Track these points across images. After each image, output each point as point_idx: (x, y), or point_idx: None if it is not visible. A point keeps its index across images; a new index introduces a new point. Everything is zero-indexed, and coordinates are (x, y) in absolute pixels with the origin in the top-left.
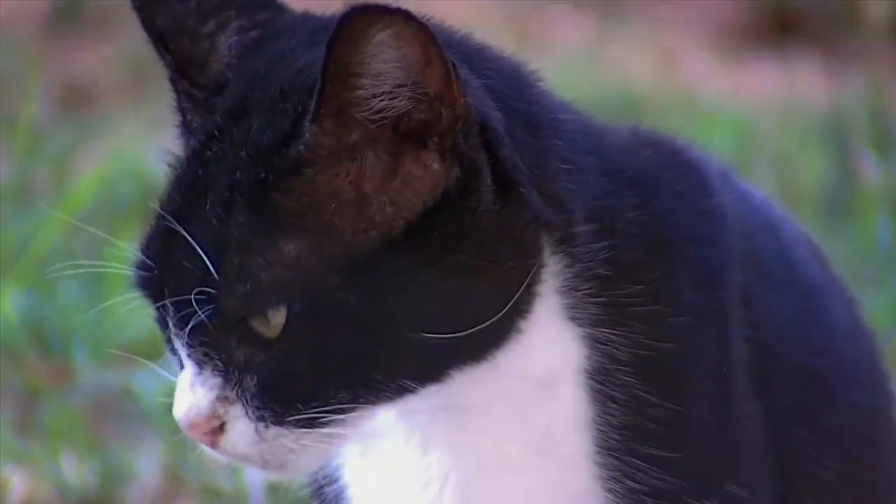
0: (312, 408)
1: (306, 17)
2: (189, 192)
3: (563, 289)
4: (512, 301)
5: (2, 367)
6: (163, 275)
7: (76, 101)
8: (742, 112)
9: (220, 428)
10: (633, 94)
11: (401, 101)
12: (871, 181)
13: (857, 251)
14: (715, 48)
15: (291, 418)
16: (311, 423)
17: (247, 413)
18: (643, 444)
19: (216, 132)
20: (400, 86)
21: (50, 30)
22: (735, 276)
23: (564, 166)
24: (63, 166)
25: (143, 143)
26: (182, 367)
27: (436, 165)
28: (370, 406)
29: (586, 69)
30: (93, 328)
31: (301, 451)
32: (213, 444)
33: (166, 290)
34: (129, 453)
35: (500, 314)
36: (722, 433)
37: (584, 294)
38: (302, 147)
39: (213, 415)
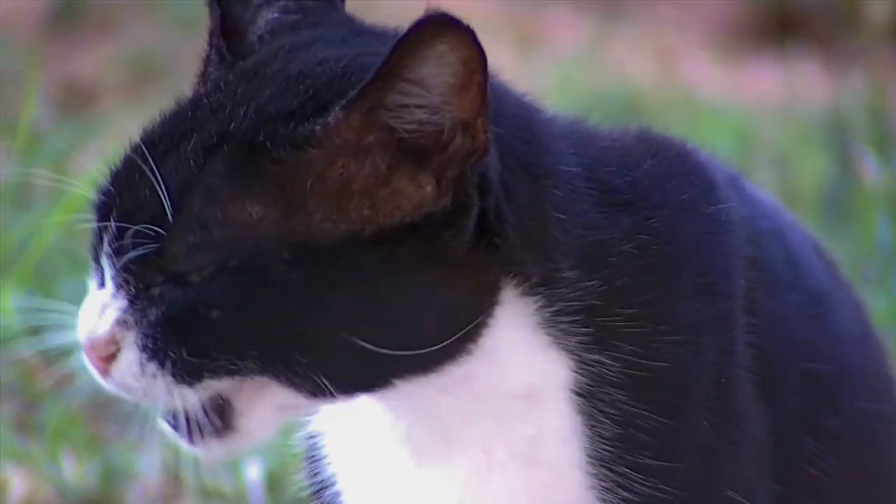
0: (196, 361)
1: (349, 19)
2: (173, 129)
3: (544, 323)
4: (453, 337)
5: (2, 367)
6: (119, 200)
7: (76, 101)
8: (742, 112)
9: (114, 356)
10: (633, 94)
11: (426, 116)
12: (871, 181)
13: (857, 251)
14: (715, 48)
15: (171, 360)
16: (186, 376)
17: (136, 341)
18: (636, 455)
19: (222, 85)
20: (433, 102)
21: (50, 30)
22: (739, 282)
23: (558, 216)
24: (63, 166)
25: None
26: (99, 283)
27: (429, 189)
28: (276, 382)
29: (586, 69)
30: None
31: (170, 399)
32: (105, 373)
33: (115, 213)
34: (129, 453)
35: (438, 346)
36: (720, 441)
37: (569, 324)
38: (318, 127)
39: (111, 339)
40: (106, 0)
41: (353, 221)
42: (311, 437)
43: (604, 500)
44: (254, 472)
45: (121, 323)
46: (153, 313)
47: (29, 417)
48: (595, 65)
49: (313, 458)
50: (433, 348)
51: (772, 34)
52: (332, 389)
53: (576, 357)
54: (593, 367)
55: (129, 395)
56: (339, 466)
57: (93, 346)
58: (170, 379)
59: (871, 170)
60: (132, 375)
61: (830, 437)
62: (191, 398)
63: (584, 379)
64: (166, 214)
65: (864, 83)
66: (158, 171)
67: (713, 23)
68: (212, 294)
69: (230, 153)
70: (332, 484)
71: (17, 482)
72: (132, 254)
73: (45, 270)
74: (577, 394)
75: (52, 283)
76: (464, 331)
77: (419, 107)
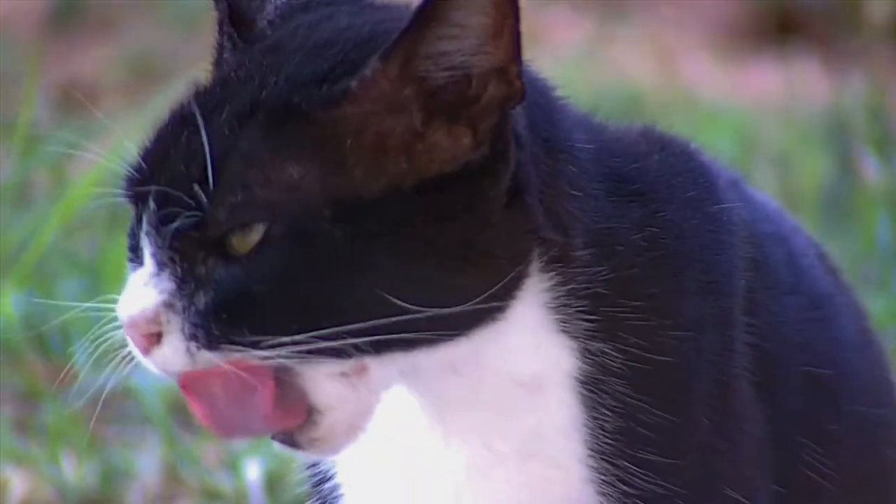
0: (253, 339)
1: None
2: (204, 103)
3: (554, 304)
4: (482, 299)
5: (2, 367)
6: (156, 173)
7: (76, 101)
8: (742, 112)
9: (157, 338)
10: (633, 94)
11: (461, 61)
12: (871, 181)
13: (857, 251)
14: (715, 48)
15: (227, 345)
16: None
17: (183, 329)
18: (638, 449)
19: (246, 62)
20: (469, 46)
21: (50, 30)
22: (740, 282)
23: (573, 192)
24: (63, 166)
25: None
26: (139, 265)
27: (466, 140)
28: (321, 356)
29: (586, 69)
30: (93, 328)
31: None
32: (146, 352)
33: (154, 188)
34: (129, 453)
35: (469, 307)
36: (720, 439)
37: (576, 310)
38: (355, 83)
39: (155, 319)
40: (106, 0)
41: (392, 175)
42: None
43: (603, 495)
44: (254, 472)
45: (167, 305)
46: (199, 300)
47: (29, 417)
48: (595, 65)
49: None
50: (463, 309)
51: (772, 34)
52: (371, 352)
53: (580, 344)
54: (597, 356)
55: (173, 378)
56: (340, 457)
57: (134, 325)
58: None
59: (871, 170)
60: (178, 361)
61: (831, 441)
62: None
63: (588, 368)
64: (207, 182)
65: (864, 83)
66: (196, 141)
67: (713, 23)
68: (260, 267)
69: (265, 119)
70: (332, 477)
71: (17, 482)
72: (174, 224)
73: (45, 270)
74: (581, 383)
75: (52, 283)
76: (502, 283)
77: (454, 52)
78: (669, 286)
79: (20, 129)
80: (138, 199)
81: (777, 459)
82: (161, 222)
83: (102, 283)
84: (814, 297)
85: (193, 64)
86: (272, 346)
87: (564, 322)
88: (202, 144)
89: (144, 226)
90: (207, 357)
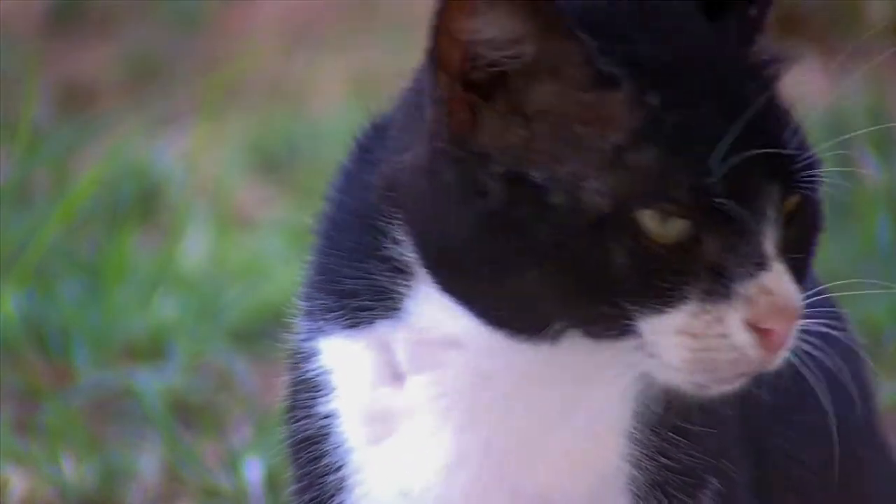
0: None
1: None
2: None
3: None
4: None
5: (2, 367)
6: (765, 156)
7: (76, 101)
8: None
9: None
10: None
11: None
12: (871, 181)
13: (857, 251)
14: None
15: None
16: None
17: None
18: (680, 418)
19: None
20: None
21: (50, 30)
22: None
23: None
24: (63, 166)
25: (143, 143)
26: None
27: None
28: None
29: None
30: (93, 328)
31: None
32: (782, 346)
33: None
34: (129, 453)
35: None
36: (721, 406)
37: None
38: None
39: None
40: (106, 0)
41: None
42: (326, 416)
43: (640, 469)
44: (254, 472)
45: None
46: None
47: (29, 417)
48: None
49: (316, 440)
50: None
51: (772, 34)
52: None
53: None
54: None
55: (766, 366)
56: (355, 445)
57: (798, 313)
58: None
59: (871, 170)
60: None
61: (805, 432)
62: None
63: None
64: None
65: (864, 83)
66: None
67: None
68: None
69: None
70: (341, 467)
71: (17, 482)
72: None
73: (45, 270)
74: (643, 349)
75: (52, 283)
76: None
77: None
78: None
79: (20, 129)
80: (761, 192)
81: (752, 441)
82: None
83: (102, 283)
84: None
85: (193, 64)
86: None
87: None
88: None
89: (769, 215)
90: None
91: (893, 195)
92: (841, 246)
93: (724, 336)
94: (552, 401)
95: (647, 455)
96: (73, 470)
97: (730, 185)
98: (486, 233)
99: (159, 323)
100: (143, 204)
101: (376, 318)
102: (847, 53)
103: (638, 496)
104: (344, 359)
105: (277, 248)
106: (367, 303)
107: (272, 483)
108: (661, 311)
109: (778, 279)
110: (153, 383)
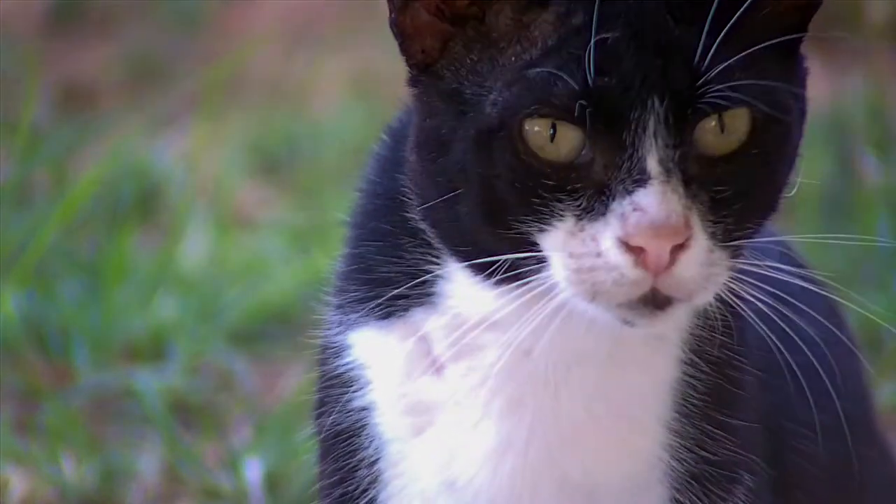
0: (747, 231)
1: None
2: None
3: None
4: None
5: (2, 367)
6: (653, 70)
7: (76, 101)
8: None
9: (681, 246)
10: None
11: None
12: (871, 181)
13: (857, 251)
14: None
15: (731, 243)
16: (737, 250)
17: (704, 229)
18: (719, 410)
19: None
20: None
21: (50, 30)
22: None
23: None
24: (63, 166)
25: (143, 143)
26: (641, 173)
27: None
28: None
29: None
30: (93, 328)
31: (717, 284)
32: (672, 262)
33: (657, 85)
34: (129, 453)
35: None
36: (756, 401)
37: None
38: None
39: (686, 223)
40: (106, 0)
41: None
42: (361, 410)
43: (679, 461)
44: (254, 472)
45: (688, 210)
46: (704, 200)
47: (29, 417)
48: None
49: (351, 435)
50: None
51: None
52: None
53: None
54: (702, 312)
55: (678, 294)
56: (395, 436)
57: (673, 232)
58: (728, 263)
59: (871, 170)
60: (698, 265)
61: (813, 429)
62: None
63: (697, 323)
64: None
65: (864, 83)
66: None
67: None
68: (747, 162)
69: None
70: (377, 460)
71: (17, 482)
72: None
73: (45, 270)
74: (690, 340)
75: (52, 283)
76: None
77: None
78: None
79: (20, 129)
80: (632, 104)
81: (770, 440)
82: (673, 122)
83: (102, 283)
84: (781, 296)
85: (193, 64)
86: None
87: None
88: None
89: (651, 128)
90: (719, 256)
91: (893, 195)
92: (841, 246)
93: (598, 255)
94: (590, 383)
95: (685, 446)
96: (73, 470)
97: (608, 94)
98: (434, 154)
99: (159, 323)
100: (143, 204)
101: (411, 306)
102: (847, 53)
103: (675, 488)
104: (378, 351)
105: (277, 248)
106: (403, 290)
107: (272, 483)
108: (541, 230)
109: (654, 196)
110: (153, 383)
